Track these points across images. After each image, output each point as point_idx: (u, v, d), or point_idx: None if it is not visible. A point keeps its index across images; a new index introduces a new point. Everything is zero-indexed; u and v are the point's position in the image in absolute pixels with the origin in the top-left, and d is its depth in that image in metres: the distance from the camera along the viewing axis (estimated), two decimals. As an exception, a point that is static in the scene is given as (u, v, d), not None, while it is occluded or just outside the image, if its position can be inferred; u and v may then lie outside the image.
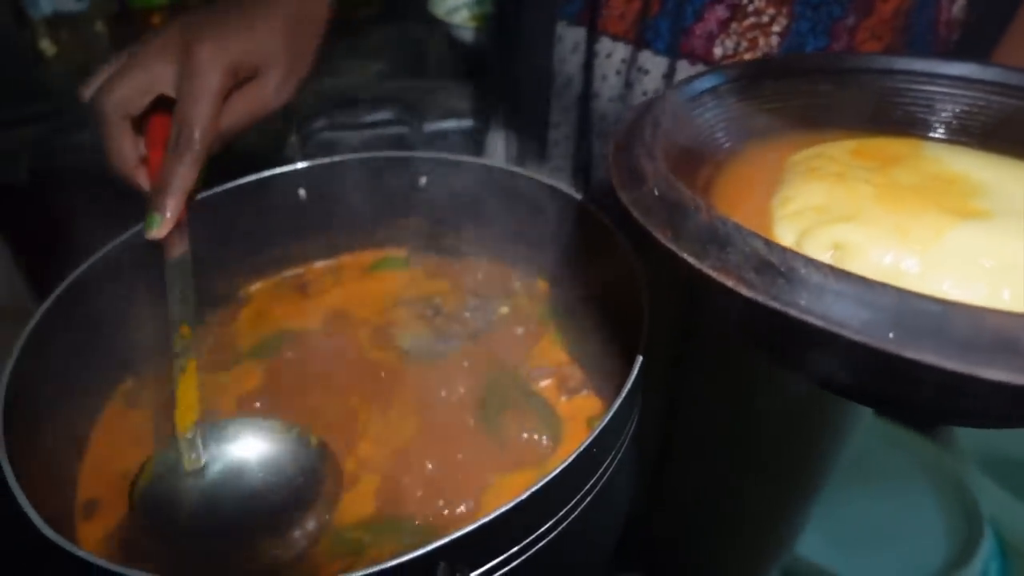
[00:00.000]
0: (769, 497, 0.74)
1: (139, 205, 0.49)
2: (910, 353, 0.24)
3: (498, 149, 0.79)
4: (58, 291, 0.47)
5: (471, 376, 0.52)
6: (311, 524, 0.42)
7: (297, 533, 0.41)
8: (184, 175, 0.47)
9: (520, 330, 0.56)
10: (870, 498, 0.87)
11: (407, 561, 0.30)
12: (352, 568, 0.30)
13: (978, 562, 0.82)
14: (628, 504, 0.48)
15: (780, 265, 0.26)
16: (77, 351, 0.48)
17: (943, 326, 0.24)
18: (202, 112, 0.47)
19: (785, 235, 0.36)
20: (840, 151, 0.41)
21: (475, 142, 0.88)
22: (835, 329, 0.25)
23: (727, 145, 0.43)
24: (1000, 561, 0.84)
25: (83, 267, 0.49)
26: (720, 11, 0.59)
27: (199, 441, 0.42)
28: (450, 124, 0.87)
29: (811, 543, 0.85)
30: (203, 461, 0.42)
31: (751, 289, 0.27)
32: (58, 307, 0.46)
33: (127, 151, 0.49)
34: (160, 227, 0.47)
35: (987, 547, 0.81)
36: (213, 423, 0.44)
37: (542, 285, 0.60)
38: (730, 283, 0.27)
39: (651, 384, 0.43)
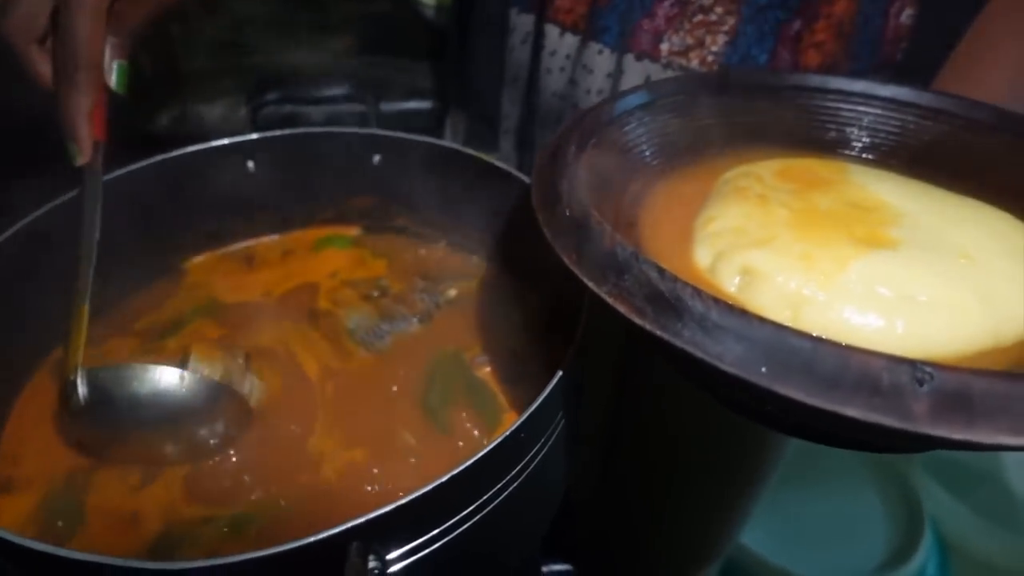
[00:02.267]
0: (713, 496, 0.76)
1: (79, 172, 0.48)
2: (779, 388, 0.25)
3: (457, 132, 0.80)
4: None
5: (415, 359, 0.52)
6: (209, 434, 0.46)
7: (197, 440, 0.46)
8: (80, 100, 0.45)
9: (467, 314, 0.56)
10: (816, 494, 0.89)
11: (319, 540, 0.30)
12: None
13: (918, 558, 0.85)
14: (560, 494, 0.49)
15: (669, 295, 0.27)
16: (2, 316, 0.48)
17: (812, 363, 0.25)
18: (81, 28, 0.44)
19: (702, 256, 0.37)
20: (767, 171, 0.42)
21: (435, 124, 0.87)
22: (712, 361, 0.26)
23: (659, 161, 0.44)
24: (939, 558, 0.86)
25: (8, 232, 0.48)
26: (668, 7, 0.59)
27: (80, 383, 0.44)
28: (410, 104, 0.87)
29: (756, 535, 0.87)
30: (82, 400, 0.44)
31: (642, 317, 0.28)
32: None
33: (42, 73, 0.47)
34: (79, 155, 0.46)
35: (927, 544, 0.84)
36: (108, 367, 0.45)
37: (491, 269, 0.60)
38: (623, 310, 0.28)
39: (599, 375, 0.43)
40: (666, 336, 0.27)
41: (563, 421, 0.42)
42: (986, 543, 0.85)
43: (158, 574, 0.30)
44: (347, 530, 0.31)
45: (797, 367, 0.25)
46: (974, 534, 0.86)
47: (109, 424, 0.45)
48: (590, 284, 0.29)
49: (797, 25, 0.59)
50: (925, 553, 0.85)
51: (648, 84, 0.44)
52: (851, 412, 0.24)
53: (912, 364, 0.24)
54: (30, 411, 0.50)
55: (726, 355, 0.26)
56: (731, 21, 0.59)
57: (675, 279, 0.28)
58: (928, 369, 0.24)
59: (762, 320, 0.26)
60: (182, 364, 0.48)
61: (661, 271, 0.28)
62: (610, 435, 0.74)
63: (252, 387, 0.50)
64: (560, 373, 0.39)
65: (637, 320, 0.28)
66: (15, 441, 0.48)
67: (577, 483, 0.51)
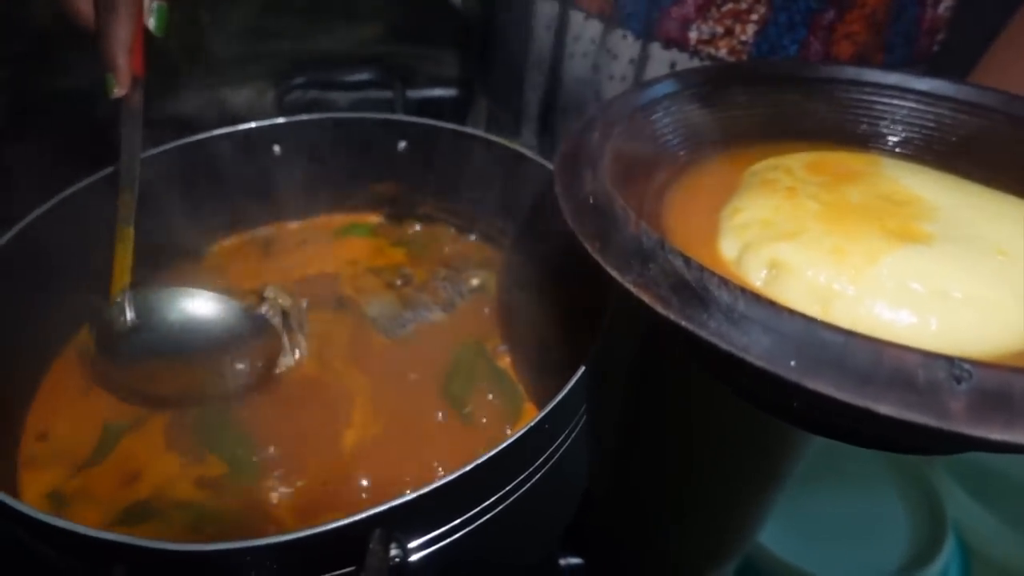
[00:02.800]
0: (731, 493, 0.75)
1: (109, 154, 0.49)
2: (809, 382, 0.24)
3: (480, 120, 0.79)
4: (7, 237, 0.46)
5: (437, 348, 0.52)
6: (244, 368, 0.47)
7: (232, 373, 0.47)
8: (121, 30, 0.45)
9: (489, 304, 0.56)
10: (837, 494, 0.88)
11: (341, 527, 0.30)
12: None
13: (940, 563, 0.83)
14: (581, 487, 0.48)
15: (695, 285, 0.27)
16: (27, 300, 0.48)
17: (844, 357, 0.24)
18: None
19: (729, 247, 0.36)
20: (797, 164, 0.40)
21: (460, 111, 0.87)
22: (739, 353, 0.25)
23: (686, 151, 0.43)
24: (961, 563, 0.85)
25: (35, 214, 0.48)
26: (688, 7, 0.58)
27: (127, 305, 0.45)
28: (437, 92, 0.86)
29: (775, 535, 0.85)
30: (128, 323, 0.45)
31: (667, 307, 0.27)
32: (7, 253, 0.46)
33: (79, 7, 0.46)
34: (118, 86, 0.46)
35: (949, 549, 0.82)
36: (152, 290, 0.47)
37: (513, 258, 0.59)
38: (647, 299, 0.27)
39: (620, 368, 0.42)
40: (691, 327, 0.26)
41: (585, 414, 0.42)
42: (1009, 550, 0.83)
43: (177, 555, 0.30)
44: (369, 517, 0.31)
45: (828, 361, 0.24)
46: (998, 540, 0.84)
47: (151, 352, 0.46)
48: (614, 273, 0.29)
49: (830, 15, 0.57)
50: (947, 557, 0.83)
51: (676, 73, 0.43)
52: (885, 409, 0.23)
53: (950, 361, 0.23)
54: (58, 388, 0.50)
55: (753, 348, 0.25)
56: (761, 10, 0.58)
57: (702, 268, 0.27)
58: (967, 366, 0.23)
59: (792, 312, 0.25)
60: (259, 294, 0.50)
61: (687, 260, 0.27)
62: (629, 429, 0.73)
63: (304, 338, 0.51)
64: (584, 367, 0.38)
65: (661, 310, 0.27)
66: (42, 417, 0.48)
67: (596, 478, 0.50)
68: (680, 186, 0.41)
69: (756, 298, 0.26)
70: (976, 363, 0.23)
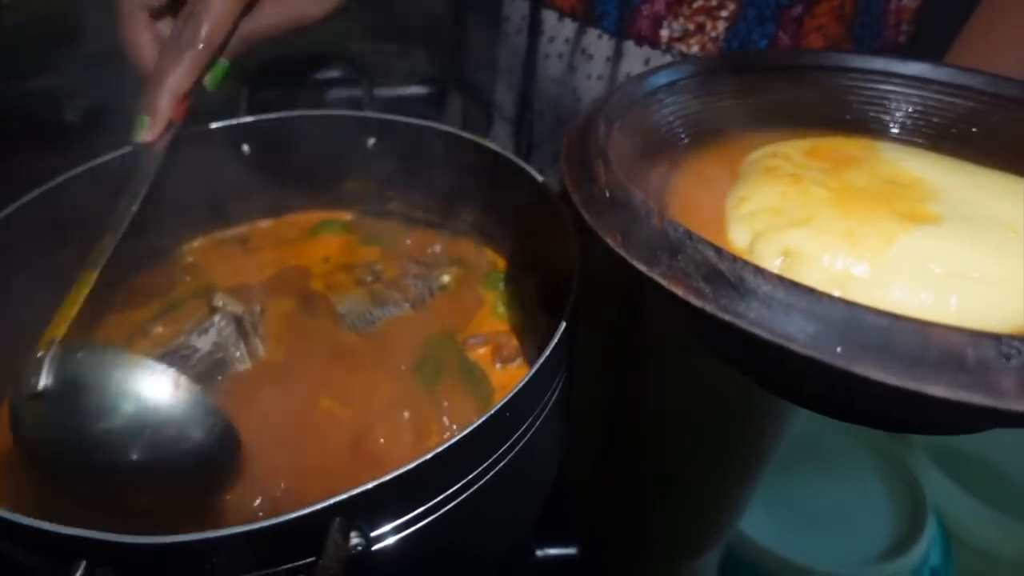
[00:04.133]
0: (711, 476, 0.75)
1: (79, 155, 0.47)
2: (858, 369, 0.24)
3: (453, 118, 0.78)
4: None
5: (406, 341, 0.51)
6: (184, 496, 0.38)
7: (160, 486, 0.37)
8: (180, 75, 0.43)
9: (460, 299, 0.56)
10: (818, 481, 0.89)
11: (299, 516, 0.30)
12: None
13: (921, 547, 0.84)
14: (551, 475, 0.48)
15: (730, 275, 0.26)
16: (6, 294, 0.46)
17: (890, 341, 0.24)
18: (215, 6, 0.42)
19: (739, 237, 0.36)
20: (796, 151, 0.40)
21: (433, 109, 0.86)
22: (782, 343, 0.24)
23: (684, 141, 0.42)
24: (942, 546, 0.86)
25: (7, 211, 0.46)
26: (658, 4, 0.58)
27: (46, 363, 0.35)
28: (408, 90, 0.85)
29: (758, 523, 0.86)
30: (41, 387, 0.34)
31: (701, 298, 0.26)
32: None
33: (142, 44, 0.44)
34: (148, 130, 0.44)
35: (930, 533, 0.83)
36: (92, 349, 0.37)
37: (487, 254, 0.59)
38: (680, 292, 0.27)
39: (598, 358, 0.42)
40: (729, 318, 0.25)
41: (553, 400, 0.41)
42: (990, 532, 0.85)
43: (136, 547, 0.29)
44: (328, 507, 0.30)
45: (875, 346, 0.24)
46: (978, 523, 0.86)
47: (68, 430, 0.35)
48: (640, 266, 0.28)
49: (799, 9, 0.58)
50: (928, 541, 0.85)
51: (669, 64, 0.42)
52: (936, 391, 0.23)
53: (998, 339, 0.23)
54: None
55: (798, 336, 0.24)
56: (731, 6, 0.58)
57: (735, 258, 0.26)
58: (1015, 343, 0.23)
59: (833, 298, 0.25)
60: (208, 303, 0.48)
61: (719, 250, 0.27)
62: (608, 414, 0.73)
63: (260, 341, 0.49)
64: (546, 353, 0.37)
65: (696, 302, 0.26)
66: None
67: (577, 465, 0.50)
68: (681, 177, 0.41)
69: (795, 285, 0.25)
70: (1021, 339, 0.23)
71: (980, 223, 0.34)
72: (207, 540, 0.29)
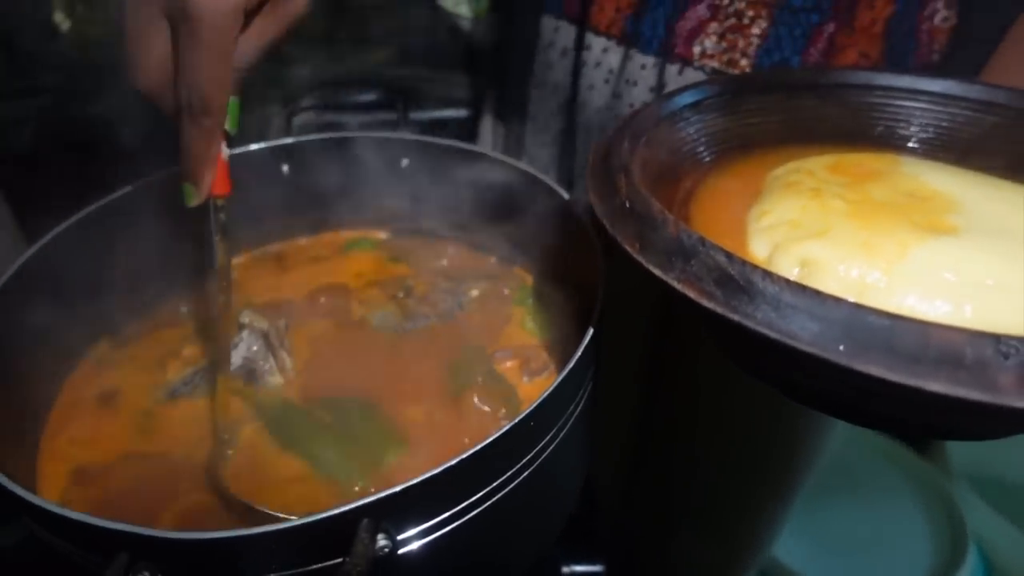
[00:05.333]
0: (742, 496, 0.74)
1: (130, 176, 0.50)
2: (859, 365, 0.25)
3: (491, 141, 0.81)
4: (28, 253, 0.47)
5: (436, 353, 0.53)
6: None
7: None
8: (205, 144, 0.43)
9: (489, 313, 0.57)
10: (856, 508, 0.87)
11: (328, 517, 0.31)
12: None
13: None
14: (577, 486, 0.49)
15: (739, 278, 0.27)
16: (53, 306, 0.49)
17: (891, 339, 0.25)
18: (209, 70, 0.39)
19: (759, 249, 0.37)
20: (818, 166, 0.41)
21: (467, 133, 0.89)
22: (788, 341, 0.26)
23: (708, 159, 0.44)
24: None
25: (60, 228, 0.49)
26: (701, 10, 0.60)
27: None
28: (444, 113, 0.88)
29: (794, 549, 0.85)
30: None
31: (712, 301, 0.28)
32: (30, 267, 0.47)
33: (151, 66, 0.42)
34: (196, 198, 0.44)
35: (971, 564, 0.81)
36: None
37: (516, 272, 0.61)
38: (692, 295, 0.28)
39: (627, 375, 0.43)
40: (738, 319, 0.27)
41: (579, 411, 0.42)
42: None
43: (176, 543, 0.31)
44: (357, 508, 0.31)
45: (876, 344, 0.25)
46: (1021, 553, 0.83)
47: None
48: (656, 271, 0.30)
49: (830, 28, 0.59)
50: (970, 571, 0.82)
51: (695, 84, 0.44)
52: (936, 387, 0.24)
53: (996, 338, 0.24)
54: (76, 400, 0.51)
55: (802, 334, 0.26)
56: (763, 24, 0.59)
57: (744, 262, 0.28)
58: (1013, 342, 0.24)
59: (837, 299, 0.26)
60: (238, 320, 0.50)
61: (730, 255, 0.28)
62: (636, 435, 0.73)
63: (288, 355, 0.52)
64: (572, 362, 0.39)
65: (707, 304, 0.28)
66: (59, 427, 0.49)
67: (605, 484, 0.51)
68: (705, 192, 0.42)
69: (801, 287, 0.26)
70: (1021, 338, 0.24)
71: (999, 235, 0.34)
72: (240, 538, 0.31)
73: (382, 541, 0.33)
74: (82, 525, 0.32)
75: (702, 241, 0.29)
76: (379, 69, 0.87)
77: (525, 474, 0.38)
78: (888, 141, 0.45)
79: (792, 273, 0.35)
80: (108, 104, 0.53)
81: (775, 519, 0.79)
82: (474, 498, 0.36)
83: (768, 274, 0.27)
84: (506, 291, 0.59)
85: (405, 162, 0.61)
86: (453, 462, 0.33)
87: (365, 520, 0.32)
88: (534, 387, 0.51)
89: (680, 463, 0.74)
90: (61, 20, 0.89)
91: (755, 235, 0.38)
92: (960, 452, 0.89)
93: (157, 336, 0.56)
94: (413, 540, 0.35)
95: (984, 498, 0.85)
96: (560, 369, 0.50)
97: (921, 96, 0.45)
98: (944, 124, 0.44)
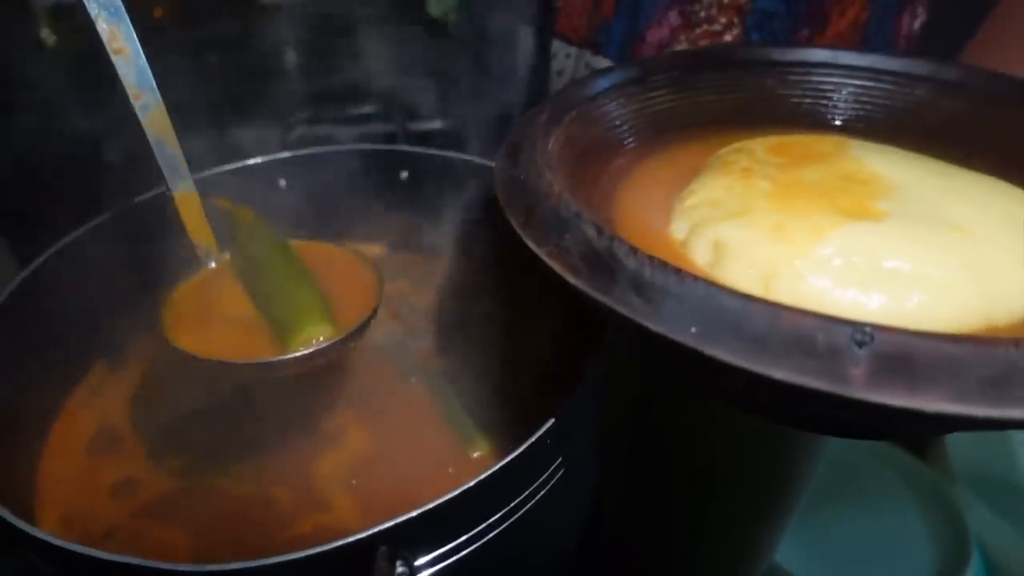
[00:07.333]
0: (736, 511, 0.72)
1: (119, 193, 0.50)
2: (708, 349, 0.23)
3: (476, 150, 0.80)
4: (23, 275, 0.48)
5: (440, 372, 0.52)
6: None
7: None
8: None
9: (493, 329, 0.56)
10: (857, 513, 0.84)
11: (347, 544, 0.31)
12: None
13: (965, 582, 0.78)
14: (588, 504, 0.48)
15: (604, 252, 0.26)
16: (46, 333, 0.49)
17: (741, 322, 0.23)
18: None
19: (679, 230, 0.35)
20: (760, 147, 0.39)
21: (463, 142, 0.88)
22: (640, 320, 0.24)
23: (650, 138, 0.42)
24: (986, 582, 0.80)
25: (51, 250, 0.50)
26: (673, 18, 0.58)
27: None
28: (440, 124, 0.87)
29: (794, 555, 0.82)
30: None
31: (576, 276, 0.26)
32: (24, 290, 0.47)
33: None
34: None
35: (974, 568, 0.77)
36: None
37: (518, 283, 0.58)
38: (557, 268, 0.27)
39: (625, 385, 0.42)
40: (595, 294, 0.25)
41: (589, 433, 0.42)
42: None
43: (182, 575, 0.30)
44: (374, 535, 0.31)
45: (727, 327, 0.23)
46: (1024, 559, 0.79)
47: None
48: (532, 245, 0.28)
49: (804, 33, 0.57)
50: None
51: (640, 61, 0.42)
52: (779, 375, 0.22)
53: (852, 324, 0.22)
54: (69, 429, 0.50)
55: (654, 314, 0.24)
56: (735, 31, 0.58)
57: (612, 237, 0.26)
58: (868, 329, 0.22)
59: (696, 278, 0.24)
60: None
61: (600, 229, 0.27)
62: (635, 447, 0.72)
63: None
64: (585, 381, 0.38)
65: (571, 279, 0.26)
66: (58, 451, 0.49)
67: (610, 498, 0.50)
68: (641, 171, 0.40)
69: (663, 265, 0.25)
70: (879, 326, 0.22)
71: (928, 222, 0.32)
72: (256, 568, 0.30)
73: (400, 568, 0.33)
74: (90, 559, 0.31)
75: (578, 214, 0.28)
76: (373, 82, 0.87)
77: (542, 492, 0.38)
78: (848, 123, 0.43)
79: (705, 256, 0.33)
80: (95, 120, 0.54)
81: (772, 535, 0.77)
82: (491, 520, 0.36)
83: (634, 250, 0.26)
84: (511, 304, 0.57)
85: (404, 175, 0.60)
86: (470, 484, 0.33)
87: (383, 547, 0.32)
88: (542, 403, 0.50)
89: (672, 480, 0.73)
90: (47, 36, 0.90)
91: (677, 216, 0.36)
92: (961, 455, 0.85)
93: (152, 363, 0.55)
94: (430, 566, 0.35)
95: (986, 502, 0.81)
96: (567, 384, 0.49)
97: (885, 76, 0.42)
98: (908, 106, 0.42)
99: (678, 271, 0.25)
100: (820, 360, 0.22)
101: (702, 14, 0.57)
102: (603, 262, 0.26)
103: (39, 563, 0.35)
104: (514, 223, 0.30)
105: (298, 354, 0.42)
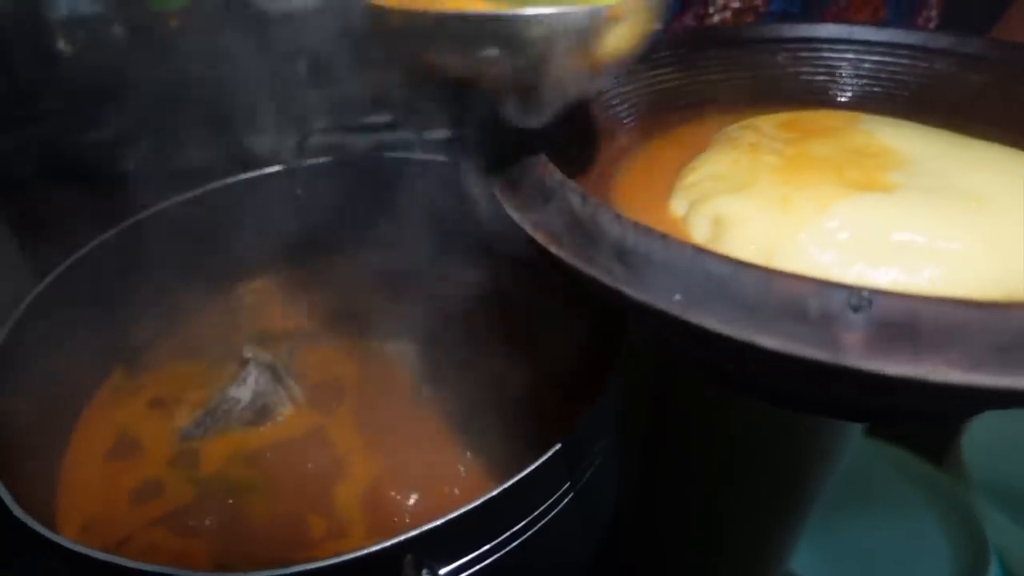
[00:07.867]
0: (752, 515, 0.70)
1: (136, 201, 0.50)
2: (692, 317, 0.22)
3: None
4: (42, 286, 0.47)
5: (459, 384, 0.50)
6: None
7: None
8: None
9: (511, 340, 0.53)
10: (874, 522, 0.81)
11: (373, 552, 0.30)
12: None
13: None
14: (610, 512, 0.47)
15: (587, 221, 0.25)
16: (66, 339, 0.48)
17: (730, 288, 0.22)
18: None
19: (679, 206, 0.34)
20: (770, 123, 0.38)
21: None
22: (621, 288, 0.23)
23: (658, 115, 0.41)
24: (1006, 591, 0.76)
25: (73, 257, 0.49)
26: (688, 20, 0.57)
27: None
28: (456, 132, 0.85)
29: (811, 563, 0.80)
30: None
31: (558, 246, 0.25)
32: (41, 301, 0.47)
33: None
34: None
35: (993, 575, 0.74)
36: None
37: (538, 291, 0.56)
38: (540, 239, 0.26)
39: (640, 399, 0.41)
40: (575, 263, 0.24)
41: (609, 441, 0.41)
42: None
43: None
44: (401, 542, 0.31)
45: (715, 293, 0.22)
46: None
47: None
48: (515, 216, 0.27)
49: None
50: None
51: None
52: (767, 342, 0.21)
53: (847, 288, 0.21)
54: (90, 434, 0.50)
55: (636, 282, 0.23)
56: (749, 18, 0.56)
57: (597, 204, 0.25)
58: (865, 293, 0.20)
59: (681, 243, 0.23)
60: (244, 354, 0.49)
61: (584, 197, 0.25)
62: (650, 455, 0.70)
63: (295, 382, 0.50)
64: (607, 389, 0.37)
65: (553, 249, 0.25)
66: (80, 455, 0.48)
67: (628, 499, 0.48)
68: (646, 148, 0.39)
69: (647, 230, 0.24)
70: (879, 291, 0.20)
71: (942, 193, 0.30)
72: None
73: None
74: (116, 567, 0.31)
75: (562, 183, 0.26)
76: (389, 90, 0.85)
77: (566, 500, 0.38)
78: (860, 99, 0.41)
79: (704, 230, 0.31)
80: (111, 130, 0.54)
81: (787, 540, 0.75)
82: (513, 529, 0.36)
83: (618, 217, 0.24)
84: (525, 309, 0.56)
85: (420, 182, 0.59)
86: (494, 493, 0.32)
87: (409, 556, 0.31)
88: (562, 412, 0.48)
89: (688, 485, 0.71)
90: (63, 46, 0.90)
91: (677, 191, 0.34)
92: (978, 463, 0.82)
93: (170, 370, 0.54)
94: (454, 575, 0.34)
95: (1004, 509, 0.78)
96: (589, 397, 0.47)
97: (900, 50, 0.40)
98: (926, 81, 0.40)
99: (663, 236, 0.23)
100: (812, 327, 0.20)
101: (716, 17, 0.56)
102: (585, 230, 0.25)
103: (60, 569, 0.35)
104: (500, 197, 0.29)
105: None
